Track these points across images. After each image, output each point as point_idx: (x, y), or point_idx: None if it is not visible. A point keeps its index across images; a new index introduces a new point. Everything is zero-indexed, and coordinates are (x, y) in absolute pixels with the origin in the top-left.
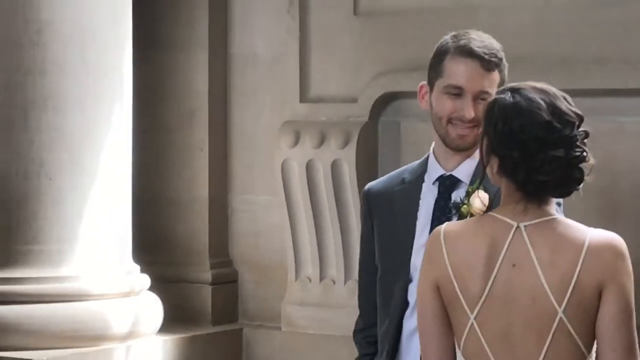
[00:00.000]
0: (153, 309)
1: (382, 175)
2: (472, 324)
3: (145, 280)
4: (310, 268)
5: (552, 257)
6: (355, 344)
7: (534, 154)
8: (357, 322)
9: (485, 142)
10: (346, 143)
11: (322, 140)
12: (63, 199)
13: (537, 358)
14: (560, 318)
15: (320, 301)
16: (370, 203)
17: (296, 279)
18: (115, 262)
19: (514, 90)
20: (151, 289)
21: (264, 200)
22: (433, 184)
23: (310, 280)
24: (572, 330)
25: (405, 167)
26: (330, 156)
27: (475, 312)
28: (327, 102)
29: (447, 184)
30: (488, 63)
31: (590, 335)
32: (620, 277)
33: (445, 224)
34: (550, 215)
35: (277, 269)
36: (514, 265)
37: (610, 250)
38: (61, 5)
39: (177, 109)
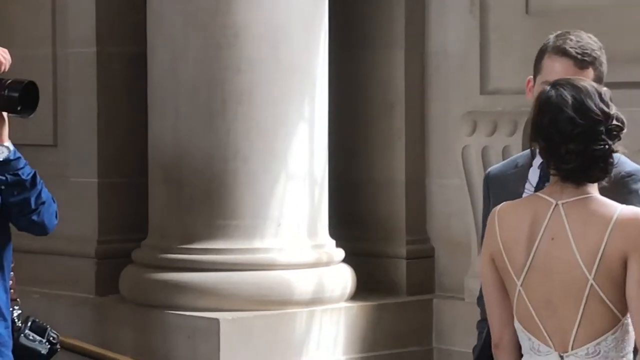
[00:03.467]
0: (341, 278)
1: None
2: (519, 290)
3: (337, 253)
4: None
5: (583, 231)
6: (479, 307)
7: (558, 146)
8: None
9: (530, 130)
10: (514, 131)
11: (494, 129)
12: (256, 180)
13: (575, 320)
14: (591, 285)
15: None
16: (489, 185)
17: (478, 254)
18: (304, 236)
19: (554, 86)
20: (349, 262)
21: (454, 183)
22: (538, 168)
23: None
24: (603, 296)
25: (520, 153)
26: (501, 143)
27: (521, 280)
28: (503, 94)
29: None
30: (581, 62)
31: (623, 300)
32: None
33: (502, 203)
34: (587, 193)
35: (464, 246)
36: (552, 238)
37: (635, 224)
38: (255, 9)
39: (379, 101)
